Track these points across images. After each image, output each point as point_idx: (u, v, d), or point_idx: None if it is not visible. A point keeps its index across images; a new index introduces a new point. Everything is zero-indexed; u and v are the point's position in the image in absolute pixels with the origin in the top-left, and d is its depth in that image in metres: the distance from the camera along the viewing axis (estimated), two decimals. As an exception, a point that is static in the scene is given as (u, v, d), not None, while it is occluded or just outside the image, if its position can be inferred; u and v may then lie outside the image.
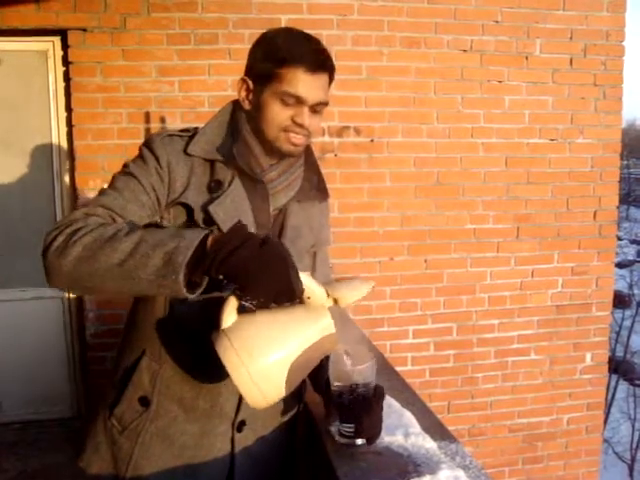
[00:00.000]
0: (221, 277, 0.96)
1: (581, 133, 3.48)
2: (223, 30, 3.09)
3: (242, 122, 1.25)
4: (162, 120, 3.05)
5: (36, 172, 3.15)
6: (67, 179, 3.15)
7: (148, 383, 1.22)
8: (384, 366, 1.69)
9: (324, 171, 3.16)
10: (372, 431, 1.17)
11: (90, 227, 1.05)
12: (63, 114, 3.13)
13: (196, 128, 1.27)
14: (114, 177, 1.21)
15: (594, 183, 3.52)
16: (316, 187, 1.36)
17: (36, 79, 3.12)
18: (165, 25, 3.04)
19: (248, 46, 3.09)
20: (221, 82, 3.07)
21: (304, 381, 1.27)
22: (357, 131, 3.22)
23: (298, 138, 1.21)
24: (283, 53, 1.18)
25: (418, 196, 3.30)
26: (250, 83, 1.24)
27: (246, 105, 1.24)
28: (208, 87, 3.08)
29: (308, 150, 1.35)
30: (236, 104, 1.28)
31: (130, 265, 0.98)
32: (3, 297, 3.17)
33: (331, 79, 1.24)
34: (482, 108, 3.34)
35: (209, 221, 1.17)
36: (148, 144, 1.22)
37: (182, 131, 1.26)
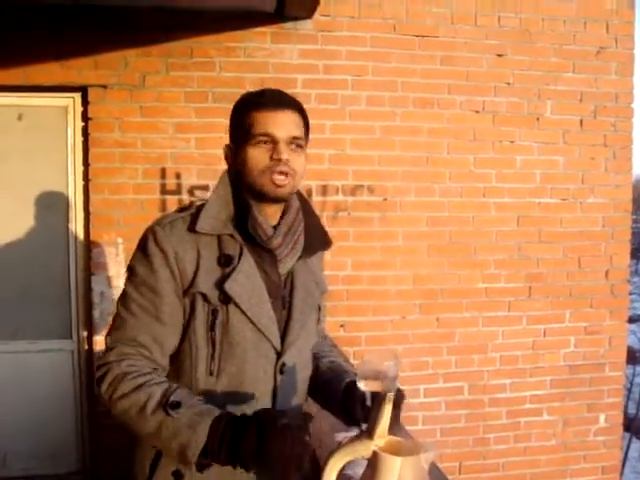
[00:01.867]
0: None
1: (592, 193, 3.50)
2: (240, 89, 3.10)
3: (241, 188, 1.27)
4: (177, 176, 3.09)
5: (51, 224, 3.17)
6: (82, 232, 3.16)
7: None
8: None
9: (338, 229, 3.21)
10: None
11: (125, 386, 1.17)
12: (80, 168, 3.16)
13: (192, 203, 1.33)
14: (126, 289, 1.26)
15: (605, 242, 3.52)
16: (319, 235, 1.38)
17: (55, 134, 3.17)
18: (183, 83, 3.10)
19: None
20: (237, 140, 3.11)
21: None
22: (370, 190, 3.25)
23: (280, 179, 1.22)
24: (247, 105, 1.27)
25: (430, 255, 3.31)
26: (232, 146, 1.30)
27: (231, 165, 1.30)
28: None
29: (302, 198, 1.38)
30: (230, 173, 1.31)
31: (157, 442, 1.17)
32: (12, 349, 3.15)
33: (303, 118, 1.29)
34: (494, 168, 3.38)
35: (225, 297, 1.21)
36: (153, 239, 1.23)
37: (180, 211, 1.31)
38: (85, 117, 3.10)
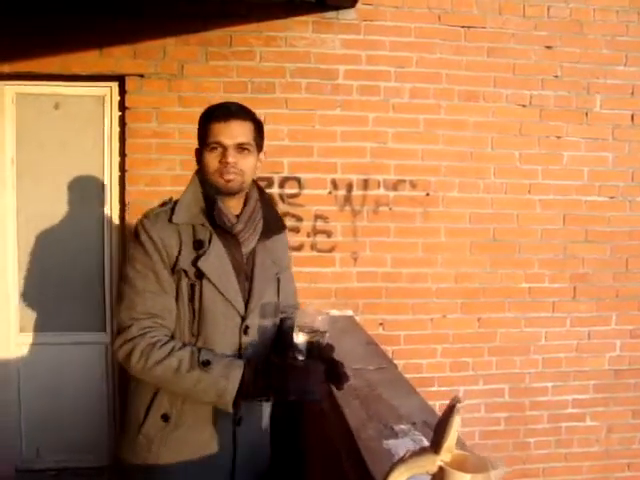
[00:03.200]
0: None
1: (642, 191, 3.37)
2: (280, 79, 3.07)
3: (208, 185, 1.56)
4: (216, 168, 3.02)
5: (87, 216, 3.13)
6: (118, 224, 3.12)
7: (167, 403, 1.54)
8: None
9: (378, 224, 3.13)
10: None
11: (156, 355, 1.44)
12: (117, 159, 3.11)
13: (171, 199, 1.60)
14: (127, 273, 1.53)
15: (655, 243, 3.39)
16: (275, 221, 1.70)
17: (92, 123, 3.13)
18: (222, 73, 3.04)
19: (306, 95, 3.08)
20: (277, 131, 3.05)
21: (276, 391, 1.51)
22: (412, 185, 3.16)
23: (229, 176, 1.51)
24: (203, 116, 1.57)
25: (473, 253, 3.21)
26: (198, 149, 1.58)
27: (199, 166, 1.58)
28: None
29: (261, 191, 1.69)
30: (198, 172, 1.60)
31: (193, 394, 1.47)
32: (46, 340, 3.13)
33: (255, 125, 1.57)
34: (540, 164, 3.26)
35: (199, 273, 1.51)
36: (143, 229, 1.53)
37: (162, 205, 1.59)
38: (122, 107, 3.05)
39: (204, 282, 1.51)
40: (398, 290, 3.15)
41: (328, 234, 3.11)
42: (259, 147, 1.61)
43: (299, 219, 3.09)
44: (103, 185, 3.13)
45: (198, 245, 1.52)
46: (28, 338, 3.13)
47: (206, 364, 1.43)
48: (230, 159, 1.50)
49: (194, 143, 1.61)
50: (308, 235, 3.09)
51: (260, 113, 3.02)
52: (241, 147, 1.53)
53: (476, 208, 3.21)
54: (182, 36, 3.01)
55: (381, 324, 3.16)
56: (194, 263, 1.50)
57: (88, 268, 3.14)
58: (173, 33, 3.00)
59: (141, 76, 2.99)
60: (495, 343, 3.25)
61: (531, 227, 3.26)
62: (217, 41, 3.02)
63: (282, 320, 1.68)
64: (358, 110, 3.11)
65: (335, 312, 3.06)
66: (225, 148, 1.51)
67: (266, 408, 1.70)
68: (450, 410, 0.95)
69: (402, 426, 1.63)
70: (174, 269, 1.50)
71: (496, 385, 3.27)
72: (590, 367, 3.35)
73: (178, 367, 1.43)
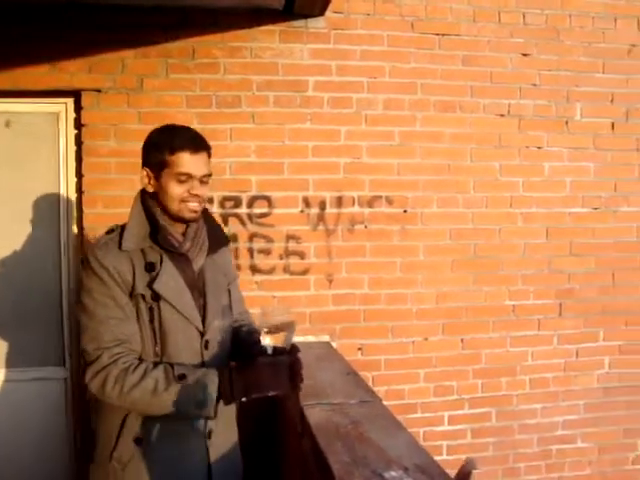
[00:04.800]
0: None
1: (626, 201, 3.26)
2: (246, 92, 2.91)
3: (154, 207, 1.59)
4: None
5: (41, 241, 2.91)
6: (75, 250, 2.90)
7: (138, 426, 1.55)
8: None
9: (354, 243, 2.98)
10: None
11: (130, 379, 1.47)
12: (73, 179, 2.91)
13: (117, 225, 1.62)
14: (86, 305, 1.53)
15: (640, 254, 3.28)
16: (219, 235, 1.76)
17: (46, 142, 2.92)
18: (185, 86, 2.87)
19: (274, 109, 2.92)
20: (244, 148, 2.88)
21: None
22: (389, 201, 3.00)
23: (194, 206, 1.58)
24: (170, 144, 1.55)
25: (454, 271, 3.06)
26: (149, 171, 1.59)
27: (149, 189, 1.60)
28: (230, 153, 2.88)
29: (203, 209, 1.69)
30: (143, 192, 1.62)
31: (174, 410, 1.47)
32: (1, 377, 2.89)
33: (209, 155, 1.61)
34: (521, 176, 3.14)
35: (156, 295, 1.54)
36: (95, 260, 1.53)
37: (109, 232, 1.61)
38: (78, 124, 2.86)
39: (161, 303, 1.54)
40: (377, 313, 2.99)
41: (301, 255, 2.93)
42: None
43: (270, 240, 2.91)
44: (59, 208, 2.92)
45: (150, 268, 1.55)
46: (-21, 376, 2.89)
47: (182, 378, 1.47)
48: (199, 191, 1.57)
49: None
50: (280, 257, 2.91)
51: (226, 128, 2.91)
52: (205, 178, 1.59)
53: (456, 224, 3.07)
54: (141, 48, 2.84)
55: (360, 349, 2.98)
56: (149, 285, 1.54)
57: (43, 299, 2.92)
58: (131, 45, 2.82)
59: (98, 91, 2.81)
60: (480, 365, 3.10)
61: (514, 242, 3.14)
62: (178, 53, 2.86)
63: (238, 328, 1.75)
64: (330, 123, 2.95)
65: (311, 338, 2.88)
66: (193, 179, 1.56)
67: (233, 421, 1.76)
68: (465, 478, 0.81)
69: (393, 473, 1.47)
70: (132, 294, 1.53)
71: (483, 409, 3.12)
72: (579, 386, 3.22)
73: (155, 387, 1.46)
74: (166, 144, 1.55)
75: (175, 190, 1.55)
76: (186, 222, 1.60)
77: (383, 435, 1.72)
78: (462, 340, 3.09)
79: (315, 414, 1.92)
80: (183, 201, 1.55)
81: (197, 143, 1.57)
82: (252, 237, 2.90)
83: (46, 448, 2.95)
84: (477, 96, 3.09)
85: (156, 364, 1.51)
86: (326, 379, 2.30)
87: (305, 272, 2.94)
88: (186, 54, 2.86)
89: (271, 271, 2.91)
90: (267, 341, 1.46)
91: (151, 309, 1.54)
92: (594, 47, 3.22)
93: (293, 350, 1.50)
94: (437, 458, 2.94)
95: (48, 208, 2.92)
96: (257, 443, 2.66)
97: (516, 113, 3.13)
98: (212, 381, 1.46)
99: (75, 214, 2.91)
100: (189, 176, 1.54)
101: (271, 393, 1.46)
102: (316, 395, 2.09)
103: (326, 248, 2.95)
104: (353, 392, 2.15)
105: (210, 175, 1.60)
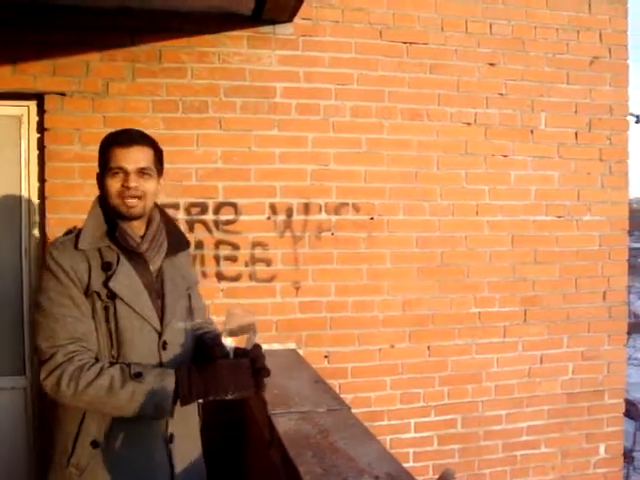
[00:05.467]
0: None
1: (588, 210, 3.32)
2: (214, 98, 2.88)
3: (110, 210, 1.60)
4: (145, 193, 2.79)
5: (2, 248, 2.84)
6: (37, 257, 2.84)
7: (95, 429, 1.52)
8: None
9: (320, 251, 2.97)
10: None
11: (85, 377, 1.45)
12: (35, 185, 2.84)
13: (75, 227, 1.63)
14: (42, 303, 1.52)
15: (602, 262, 3.35)
16: (179, 240, 1.76)
17: (7, 146, 2.85)
18: (151, 91, 2.83)
19: (241, 115, 2.91)
20: (211, 154, 2.85)
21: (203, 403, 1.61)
22: (356, 208, 3.01)
23: (132, 201, 1.56)
24: (105, 142, 1.62)
25: (420, 278, 3.08)
26: (98, 174, 1.64)
27: (100, 192, 1.63)
28: (196, 159, 2.85)
29: (162, 212, 1.75)
30: (100, 197, 1.65)
31: (129, 409, 1.46)
32: (-43, 387, 2.81)
33: (154, 150, 1.62)
34: (487, 184, 3.18)
35: (112, 294, 1.53)
36: (51, 258, 1.54)
37: (67, 234, 1.62)
38: (41, 128, 2.79)
39: (117, 302, 1.54)
40: (343, 320, 2.98)
41: (267, 262, 2.92)
42: (159, 172, 1.67)
43: (236, 247, 2.88)
44: (20, 213, 2.84)
45: (107, 267, 1.55)
46: None
47: (138, 375, 1.46)
48: (132, 183, 1.55)
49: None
50: (246, 264, 2.89)
51: (192, 134, 2.87)
52: (142, 172, 1.58)
53: (423, 231, 3.09)
54: (107, 51, 2.80)
55: (326, 357, 2.97)
56: (105, 284, 1.53)
57: (3, 306, 2.84)
58: (97, 47, 2.78)
59: (62, 94, 2.75)
60: (446, 372, 3.12)
61: (480, 250, 3.17)
62: (145, 57, 2.82)
63: (202, 335, 1.74)
64: (297, 130, 2.94)
65: (277, 346, 2.86)
66: (127, 173, 1.56)
67: (196, 427, 1.74)
68: None
69: (364, 482, 1.47)
70: (87, 293, 1.52)
71: (448, 416, 3.14)
72: (543, 392, 3.26)
73: (110, 385, 1.44)
74: (103, 144, 1.62)
75: (110, 185, 1.56)
76: (127, 219, 1.58)
77: (353, 444, 1.72)
78: (428, 347, 3.10)
79: (284, 423, 1.91)
80: (120, 195, 1.55)
81: (129, 138, 1.59)
82: (218, 244, 2.87)
83: (4, 460, 2.87)
84: (444, 104, 3.12)
85: (112, 364, 1.50)
86: (294, 387, 2.28)
87: (271, 279, 2.92)
88: (153, 58, 2.83)
89: (237, 278, 2.88)
90: (228, 342, 1.46)
91: (107, 308, 1.53)
92: (558, 58, 3.29)
93: (255, 349, 1.49)
94: (404, 465, 2.97)
95: (9, 213, 2.84)
96: (222, 452, 2.63)
97: (482, 122, 3.17)
98: (169, 380, 1.45)
99: (37, 219, 2.83)
100: (121, 169, 1.55)
101: (231, 395, 1.44)
102: (284, 403, 2.08)
103: (293, 255, 2.94)
104: (321, 400, 2.14)
105: (149, 169, 1.58)
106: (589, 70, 3.32)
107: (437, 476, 0.93)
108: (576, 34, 3.31)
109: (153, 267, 1.63)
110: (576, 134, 3.31)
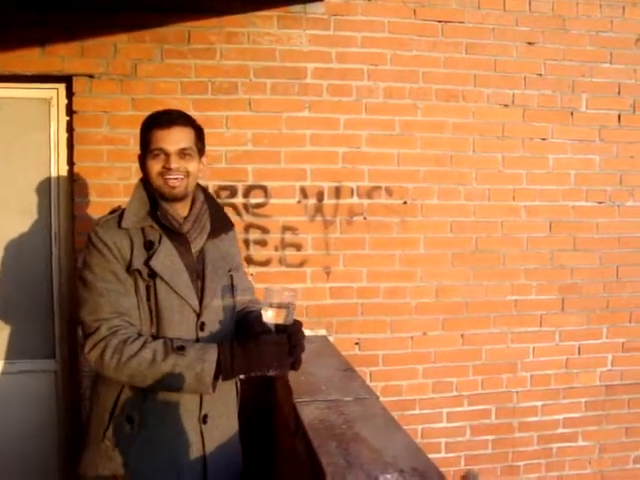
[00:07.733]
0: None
1: (631, 195, 3.19)
2: (243, 79, 2.82)
3: (152, 190, 1.63)
4: (174, 177, 2.76)
5: (32, 232, 2.83)
6: (66, 240, 2.83)
7: (131, 405, 1.56)
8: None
9: (352, 235, 2.90)
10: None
11: (129, 350, 1.49)
12: (65, 168, 2.83)
13: (119, 207, 1.68)
14: (86, 278, 1.57)
15: (645, 250, 3.21)
16: (222, 221, 1.78)
17: (37, 129, 2.84)
18: (180, 72, 2.79)
19: (271, 96, 2.84)
20: (240, 136, 2.80)
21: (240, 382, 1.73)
22: (389, 192, 2.93)
23: (172, 181, 1.59)
24: (145, 123, 1.64)
25: (455, 264, 2.99)
26: (140, 156, 1.66)
27: (143, 173, 1.65)
28: (225, 141, 2.80)
29: (206, 193, 1.78)
30: (143, 179, 1.67)
31: (171, 382, 1.48)
32: (-13, 369, 2.82)
33: (196, 131, 1.65)
34: (524, 168, 3.06)
35: (152, 272, 1.56)
36: (96, 236, 1.59)
37: (111, 212, 1.67)
38: (70, 110, 2.77)
39: (157, 281, 1.56)
40: (375, 306, 2.92)
41: (298, 247, 2.86)
42: (201, 152, 1.68)
43: (265, 231, 2.83)
44: (49, 197, 2.84)
45: (149, 245, 1.58)
46: (-33, 368, 2.82)
47: (181, 349, 1.48)
48: (173, 165, 1.58)
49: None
50: (276, 248, 2.84)
51: (222, 116, 2.82)
52: (183, 152, 1.60)
53: (457, 216, 2.99)
54: (135, 32, 2.76)
55: (357, 344, 2.91)
56: (146, 263, 1.56)
57: (34, 290, 2.84)
58: (125, 29, 2.74)
59: (90, 77, 2.73)
60: (480, 361, 3.04)
61: (516, 236, 3.06)
62: (174, 38, 2.78)
63: (246, 314, 1.74)
64: (328, 112, 2.87)
65: (307, 332, 2.80)
66: (168, 154, 1.58)
67: (233, 407, 1.75)
68: None
69: (388, 476, 1.40)
70: (129, 270, 1.56)
71: (482, 406, 3.06)
72: (581, 383, 3.16)
73: (153, 357, 1.47)
74: (143, 126, 1.64)
75: (152, 166, 1.60)
76: (169, 200, 1.62)
77: (379, 435, 1.66)
78: (462, 335, 3.02)
79: (309, 412, 1.85)
80: (161, 177, 1.59)
81: (169, 118, 1.60)
82: (248, 228, 2.82)
83: (34, 442, 2.88)
84: (480, 85, 3.01)
85: (155, 338, 1.53)
86: (322, 375, 2.22)
87: (302, 264, 2.87)
88: (181, 39, 2.78)
89: (267, 263, 2.84)
90: (269, 314, 1.48)
91: (148, 287, 1.56)
92: (601, 36, 3.14)
93: (294, 325, 1.51)
94: (435, 456, 2.92)
95: (38, 198, 2.84)
96: (256, 433, 2.59)
97: (520, 103, 3.05)
98: (212, 354, 1.47)
99: (67, 203, 2.83)
100: (162, 151, 1.58)
101: (273, 372, 1.46)
102: (311, 391, 2.02)
103: (323, 240, 2.88)
104: (349, 389, 2.08)
105: (190, 149, 1.61)
106: (634, 48, 3.17)
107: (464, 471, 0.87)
108: (621, 10, 3.15)
109: (195, 248, 1.66)
110: (619, 116, 3.17)
